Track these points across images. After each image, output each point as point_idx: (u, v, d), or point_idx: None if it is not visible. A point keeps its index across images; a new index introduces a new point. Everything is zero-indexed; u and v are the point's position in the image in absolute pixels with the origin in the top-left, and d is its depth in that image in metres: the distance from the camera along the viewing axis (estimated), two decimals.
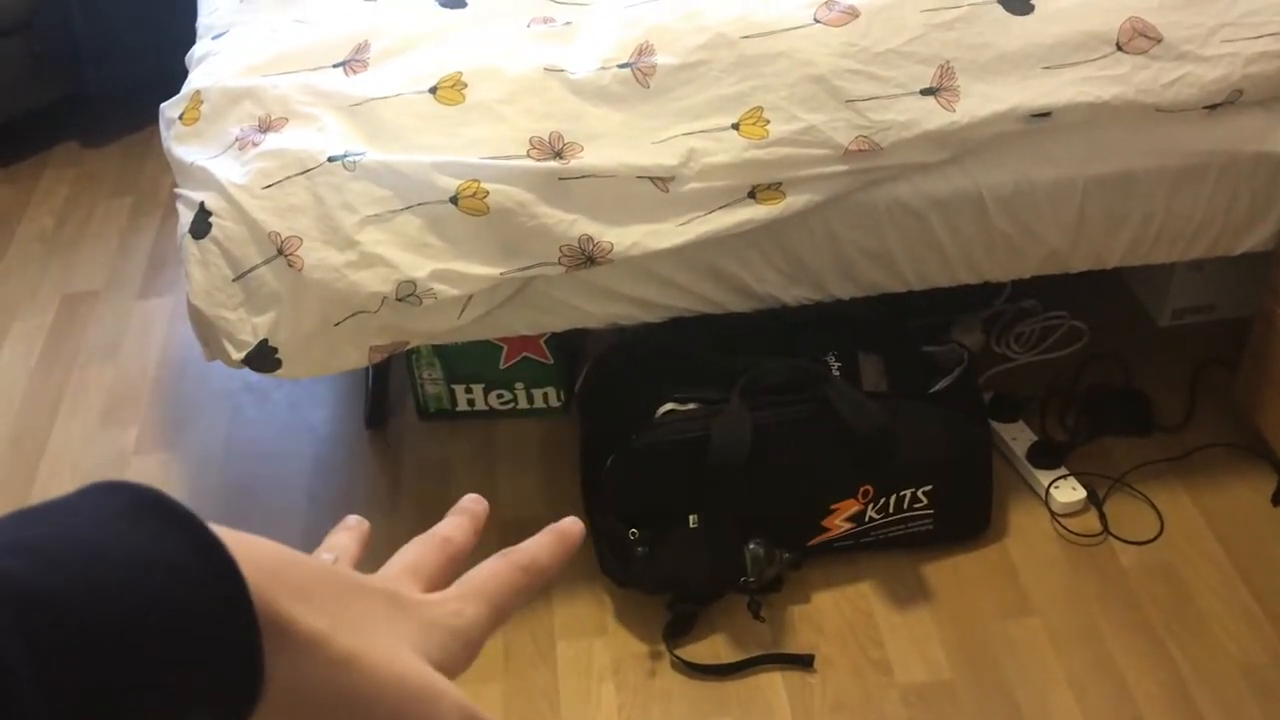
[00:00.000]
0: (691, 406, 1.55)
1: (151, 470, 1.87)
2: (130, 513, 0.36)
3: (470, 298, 1.45)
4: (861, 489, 1.59)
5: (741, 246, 1.52)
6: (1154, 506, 1.72)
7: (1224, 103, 1.50)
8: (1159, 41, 1.48)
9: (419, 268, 1.40)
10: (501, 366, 1.85)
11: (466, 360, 1.84)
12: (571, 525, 0.51)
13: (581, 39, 1.55)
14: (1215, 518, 1.70)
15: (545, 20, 1.58)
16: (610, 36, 1.52)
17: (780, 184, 1.47)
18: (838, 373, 1.62)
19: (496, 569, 0.48)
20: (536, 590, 0.49)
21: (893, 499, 1.61)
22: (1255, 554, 1.65)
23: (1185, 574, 1.63)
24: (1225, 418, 1.81)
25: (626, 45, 1.51)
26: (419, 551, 0.49)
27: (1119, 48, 1.48)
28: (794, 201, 1.48)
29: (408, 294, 1.40)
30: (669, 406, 1.55)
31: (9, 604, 0.32)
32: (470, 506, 0.53)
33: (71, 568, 0.33)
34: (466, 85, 1.48)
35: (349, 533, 0.52)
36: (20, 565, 0.33)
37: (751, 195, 1.47)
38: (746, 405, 1.53)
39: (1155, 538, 1.68)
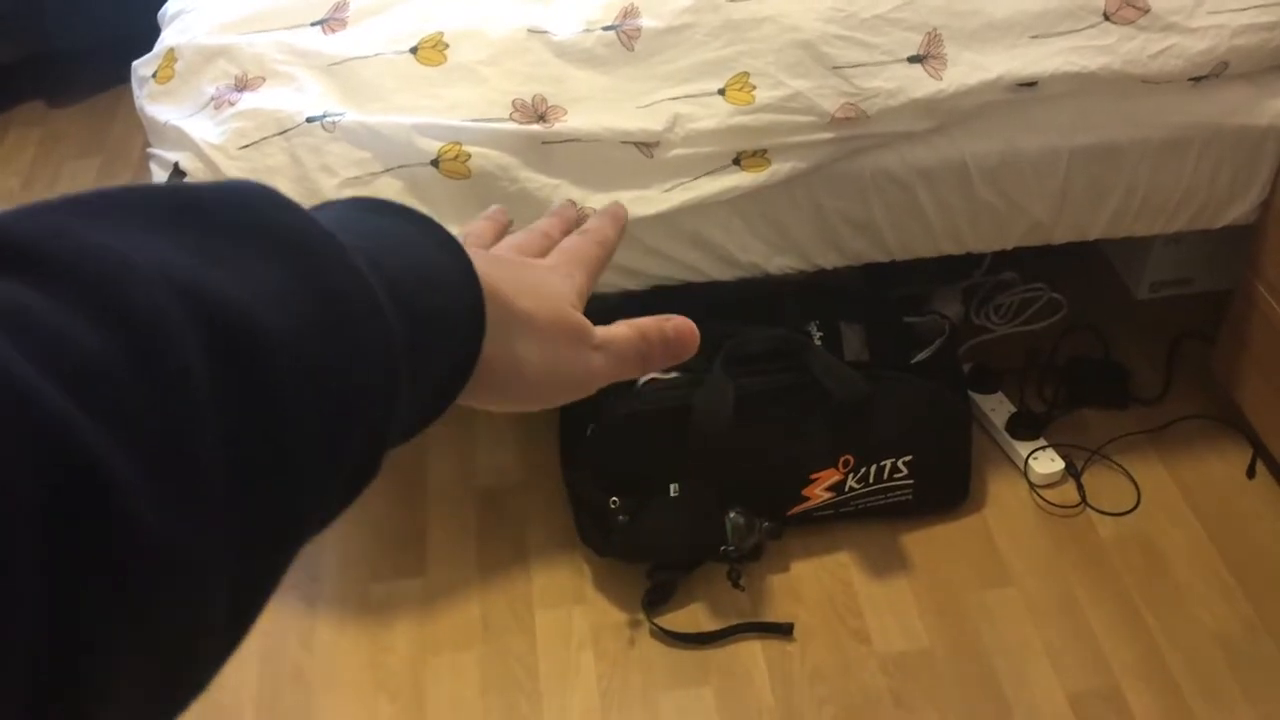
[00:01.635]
0: (673, 375, 1.54)
1: None
2: (371, 208, 0.42)
3: None
4: (842, 458, 1.59)
5: (726, 214, 1.50)
6: (1131, 478, 1.73)
7: (1209, 75, 1.50)
8: (1146, 12, 1.47)
9: None
10: None
11: None
12: (618, 206, 0.59)
13: (565, 0, 1.52)
14: (1191, 490, 1.71)
15: None
16: None
17: (766, 151, 1.46)
18: (819, 342, 1.61)
19: (580, 244, 0.53)
20: (607, 264, 0.55)
21: (873, 469, 1.61)
22: (1230, 526, 1.66)
23: (1161, 545, 1.64)
24: (1202, 391, 1.82)
25: (611, 7, 1.49)
26: (524, 239, 0.54)
27: (1106, 17, 1.47)
28: (779, 169, 1.46)
29: None
30: (650, 375, 1.54)
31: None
32: (563, 211, 0.59)
33: (350, 232, 0.36)
34: (448, 46, 1.45)
35: (488, 221, 0.57)
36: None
37: (736, 162, 1.46)
38: (728, 374, 1.52)
39: (1132, 509, 1.69)
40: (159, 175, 1.42)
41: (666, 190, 1.45)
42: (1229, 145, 1.55)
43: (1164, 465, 1.74)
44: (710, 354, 1.53)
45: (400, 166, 1.38)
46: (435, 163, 1.38)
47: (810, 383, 1.53)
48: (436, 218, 1.33)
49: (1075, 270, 1.99)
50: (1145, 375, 1.86)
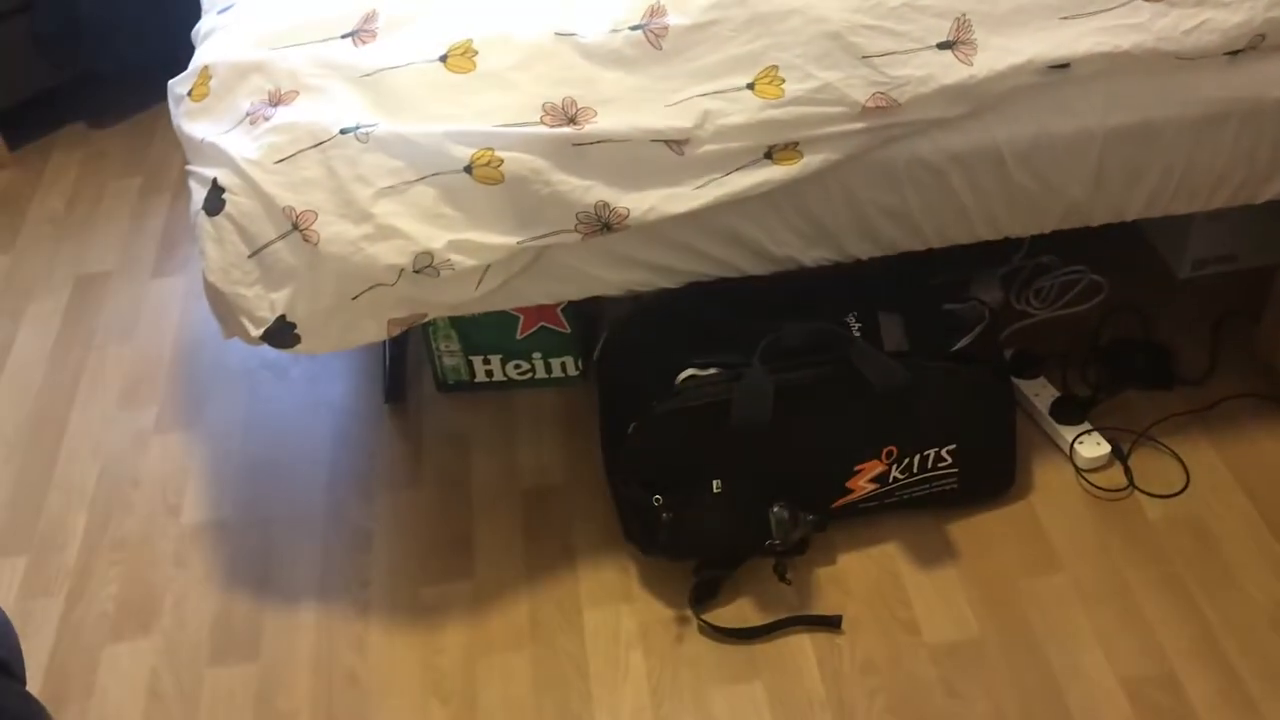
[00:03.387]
0: (712, 372, 1.54)
1: (171, 449, 1.87)
2: None
3: (487, 268, 1.44)
4: (885, 449, 1.58)
5: (759, 208, 1.50)
6: (1179, 459, 1.71)
7: (1246, 48, 1.48)
8: None
9: (435, 239, 1.39)
10: (518, 337, 1.84)
11: (483, 331, 1.83)
12: None
13: (592, 2, 1.52)
14: (1241, 469, 1.69)
15: None
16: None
17: (797, 143, 1.46)
18: (858, 333, 1.60)
19: None
20: None
21: (916, 459, 1.60)
22: None
23: (1212, 526, 1.62)
24: (1248, 368, 1.80)
25: (637, 7, 1.49)
26: None
27: None
28: (811, 161, 1.46)
29: (424, 265, 1.39)
30: (689, 372, 1.54)
31: None
32: None
33: None
34: (477, 53, 1.46)
35: None
36: None
37: (768, 156, 1.46)
38: (768, 368, 1.52)
39: (1181, 490, 1.67)
40: (198, 192, 1.44)
41: (699, 187, 1.45)
42: (1269, 119, 1.53)
43: (1212, 445, 1.72)
44: (749, 349, 1.53)
45: (434, 174, 1.39)
46: (469, 169, 1.39)
47: (851, 374, 1.53)
48: (471, 224, 1.34)
49: (1116, 251, 1.97)
50: (1190, 355, 1.84)
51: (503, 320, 1.80)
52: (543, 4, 1.53)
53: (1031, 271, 1.98)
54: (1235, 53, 1.48)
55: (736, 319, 1.59)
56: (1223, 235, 1.92)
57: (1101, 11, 1.46)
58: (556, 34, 1.47)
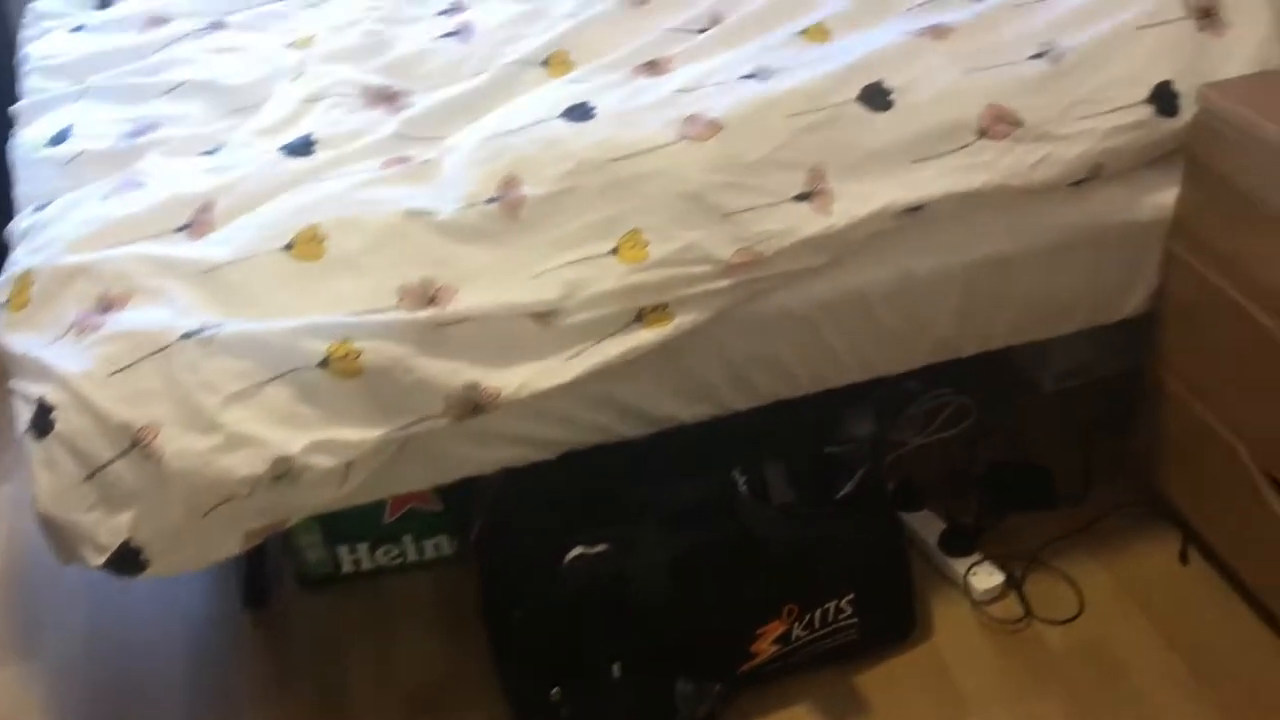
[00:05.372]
0: (601, 548, 1.46)
1: (7, 686, 1.68)
2: None
3: (351, 464, 1.34)
4: (786, 608, 1.52)
5: (634, 372, 1.45)
6: (1071, 581, 1.70)
7: (1087, 178, 1.52)
8: (1019, 125, 1.49)
9: (293, 442, 1.28)
10: (386, 521, 1.73)
11: (347, 520, 1.71)
12: None
13: (442, 177, 1.47)
14: (1132, 585, 1.69)
15: (400, 160, 1.50)
16: (472, 172, 1.45)
17: (667, 305, 1.42)
18: (745, 488, 1.56)
19: None
20: None
21: (817, 614, 1.55)
22: (1176, 617, 1.64)
23: (1114, 647, 1.61)
24: (1124, 480, 1.81)
25: (490, 179, 1.44)
26: None
27: (982, 134, 1.49)
28: (683, 321, 1.42)
29: (283, 472, 1.29)
30: (577, 551, 1.46)
31: None
32: None
33: None
34: (325, 238, 1.38)
35: None
36: None
37: (639, 319, 1.42)
38: (658, 538, 1.45)
39: (1078, 614, 1.66)
40: (24, 412, 1.31)
41: (571, 358, 1.40)
42: (1114, 242, 1.57)
43: (1100, 563, 1.73)
44: (636, 518, 1.46)
45: (288, 372, 1.30)
46: (325, 363, 1.30)
47: (744, 535, 1.48)
48: (332, 421, 1.24)
49: (980, 371, 1.98)
50: (1068, 470, 1.85)
51: (368, 505, 1.69)
52: (390, 182, 1.47)
53: (900, 399, 1.98)
54: (1078, 183, 1.52)
55: (619, 486, 1.53)
56: (1081, 347, 1.96)
57: (949, 153, 1.48)
58: (408, 213, 1.41)
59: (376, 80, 1.66)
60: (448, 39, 1.72)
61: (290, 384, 1.30)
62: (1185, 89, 1.51)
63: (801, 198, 1.45)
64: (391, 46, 1.74)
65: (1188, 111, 1.50)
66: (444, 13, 1.82)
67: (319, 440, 1.30)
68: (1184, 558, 1.72)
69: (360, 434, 1.32)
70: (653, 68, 1.62)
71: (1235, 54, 1.54)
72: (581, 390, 1.43)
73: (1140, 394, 1.71)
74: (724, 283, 1.43)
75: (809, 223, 1.44)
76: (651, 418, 1.51)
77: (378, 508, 1.71)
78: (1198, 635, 1.62)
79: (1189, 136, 1.50)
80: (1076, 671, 1.58)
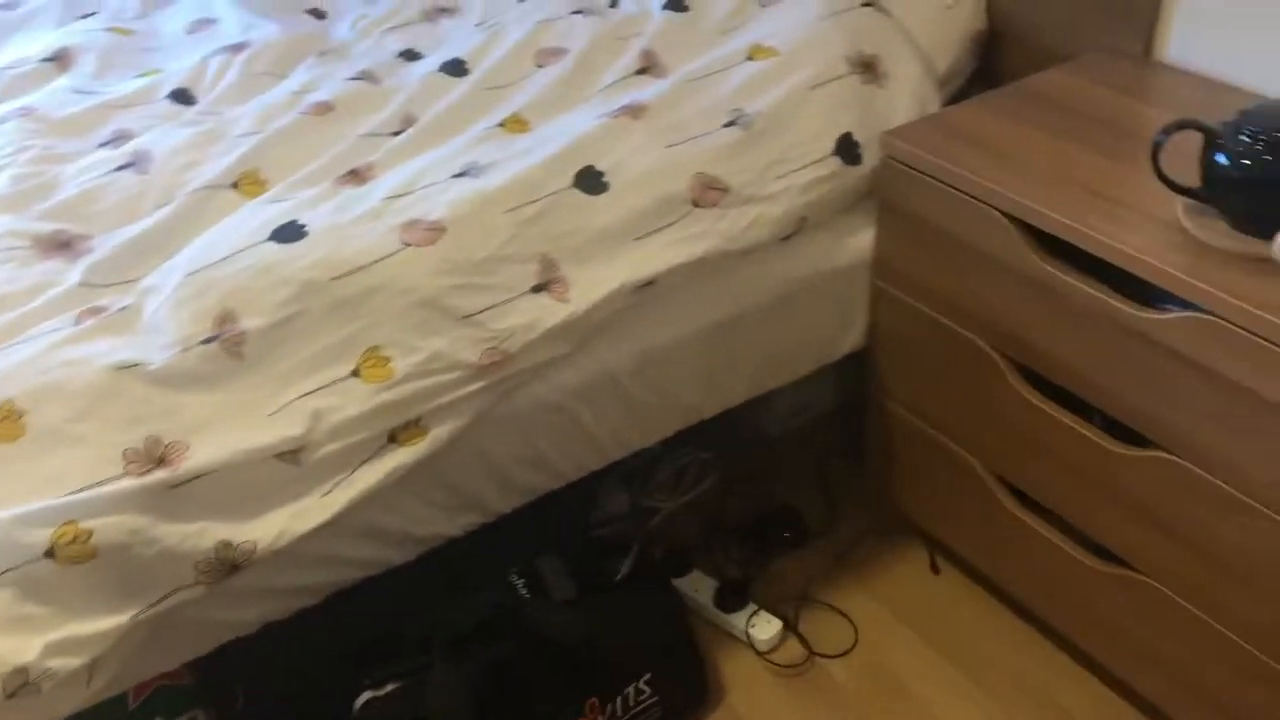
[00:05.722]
0: (390, 688, 1.37)
1: None
2: None
3: (98, 659, 1.18)
4: (588, 703, 1.49)
5: (395, 494, 1.38)
6: (842, 613, 1.77)
7: (795, 232, 1.60)
8: (726, 190, 1.54)
9: (27, 649, 1.12)
10: (131, 708, 1.54)
11: (84, 716, 1.51)
12: None
13: (145, 323, 1.34)
14: (893, 603, 1.78)
15: (95, 312, 1.35)
16: (180, 312, 1.33)
17: (419, 419, 1.36)
18: (525, 591, 1.51)
19: None
20: None
21: (619, 701, 1.52)
22: (939, 626, 1.74)
23: (891, 665, 1.69)
24: (866, 506, 1.91)
25: (202, 318, 1.33)
26: None
27: (695, 205, 1.53)
28: (439, 433, 1.37)
29: (19, 685, 1.12)
30: (366, 697, 1.36)
31: None
32: None
33: None
34: (23, 413, 1.22)
35: None
36: None
37: (393, 440, 1.34)
38: (449, 664, 1.38)
39: (854, 645, 1.72)
40: None
41: (326, 494, 1.30)
42: (827, 288, 1.66)
43: (862, 588, 1.81)
44: (423, 649, 1.38)
45: (7, 571, 1.13)
46: (50, 553, 1.14)
47: (533, 638, 1.43)
48: (69, 616, 1.09)
49: (706, 426, 2.03)
50: (812, 508, 1.93)
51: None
52: (89, 337, 1.32)
53: (645, 465, 2.00)
54: (787, 237, 1.60)
55: (398, 619, 1.44)
56: (796, 387, 2.06)
57: (668, 226, 1.51)
58: (115, 368, 1.27)
59: (46, 226, 1.49)
60: (121, 171, 1.58)
61: (12, 584, 1.13)
62: (864, 138, 1.62)
63: (538, 289, 1.43)
64: (56, 187, 1.57)
65: (871, 158, 1.61)
66: (108, 144, 1.67)
67: (56, 640, 1.14)
68: (934, 568, 1.83)
69: (104, 623, 1.17)
70: (355, 176, 1.56)
71: (898, 101, 1.68)
72: (343, 525, 1.34)
73: (866, 422, 1.81)
74: (475, 385, 1.38)
75: (550, 313, 1.42)
76: (419, 538, 1.44)
77: (118, 696, 1.52)
78: (960, 637, 1.72)
79: (877, 181, 1.62)
80: (865, 697, 1.64)
